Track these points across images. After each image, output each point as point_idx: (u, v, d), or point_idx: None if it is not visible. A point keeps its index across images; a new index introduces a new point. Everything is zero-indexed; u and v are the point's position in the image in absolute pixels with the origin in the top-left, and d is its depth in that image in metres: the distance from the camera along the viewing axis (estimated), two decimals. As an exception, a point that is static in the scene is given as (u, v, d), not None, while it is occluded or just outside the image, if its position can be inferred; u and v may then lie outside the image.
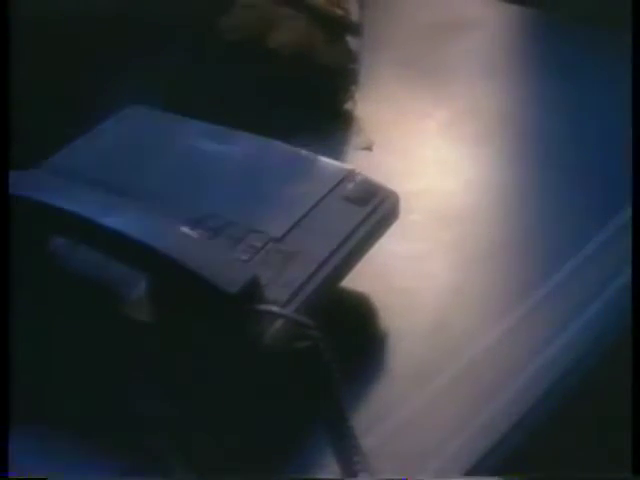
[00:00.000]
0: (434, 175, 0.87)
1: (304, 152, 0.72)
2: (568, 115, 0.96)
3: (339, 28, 0.92)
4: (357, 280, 0.69)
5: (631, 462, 0.62)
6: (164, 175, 0.69)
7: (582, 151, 0.90)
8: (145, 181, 0.68)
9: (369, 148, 0.89)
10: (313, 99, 0.91)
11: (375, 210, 0.69)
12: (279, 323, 0.57)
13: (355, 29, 0.93)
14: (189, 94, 0.92)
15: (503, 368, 0.66)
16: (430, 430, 0.62)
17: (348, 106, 0.94)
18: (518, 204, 0.84)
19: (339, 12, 0.92)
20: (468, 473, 0.59)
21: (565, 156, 0.90)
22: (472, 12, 1.12)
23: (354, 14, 0.93)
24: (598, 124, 0.95)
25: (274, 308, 0.57)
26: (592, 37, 1.10)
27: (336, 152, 0.88)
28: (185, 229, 0.63)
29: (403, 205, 0.75)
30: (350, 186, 0.70)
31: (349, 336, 0.66)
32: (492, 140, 0.92)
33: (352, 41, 0.93)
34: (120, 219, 0.60)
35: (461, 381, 0.65)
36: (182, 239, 0.60)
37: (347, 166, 0.71)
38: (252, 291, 0.57)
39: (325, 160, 0.72)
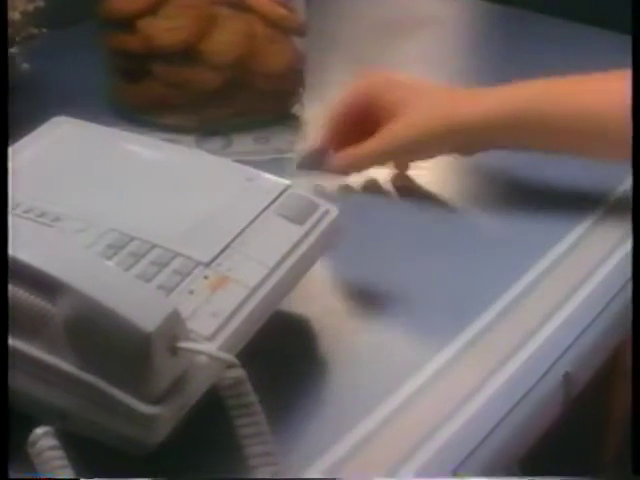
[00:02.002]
0: (384, 184, 0.83)
1: (237, 166, 0.68)
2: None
3: (283, 28, 0.87)
4: (294, 302, 0.65)
5: (631, 462, 0.59)
6: (88, 193, 0.65)
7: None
8: (68, 200, 0.63)
9: (315, 156, 0.85)
10: (257, 103, 0.87)
11: (314, 228, 0.64)
12: (200, 360, 0.53)
13: (300, 29, 0.88)
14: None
15: (450, 396, 0.62)
16: (371, 462, 0.58)
17: (295, 110, 0.90)
18: (479, 213, 0.80)
19: (283, 12, 0.87)
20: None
21: (529, 163, 0.85)
22: (428, 8, 1.08)
23: (299, 13, 0.88)
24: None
25: (194, 345, 0.53)
26: (558, 31, 1.06)
27: (279, 161, 0.83)
28: (104, 258, 0.58)
29: (350, 216, 0.71)
30: (287, 203, 0.65)
31: (285, 362, 0.63)
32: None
33: (298, 41, 0.89)
34: (35, 249, 0.55)
35: (406, 411, 0.61)
36: (99, 271, 0.55)
37: (284, 181, 0.67)
38: (171, 327, 0.52)
39: (260, 174, 0.67)
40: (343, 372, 0.64)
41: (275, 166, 0.82)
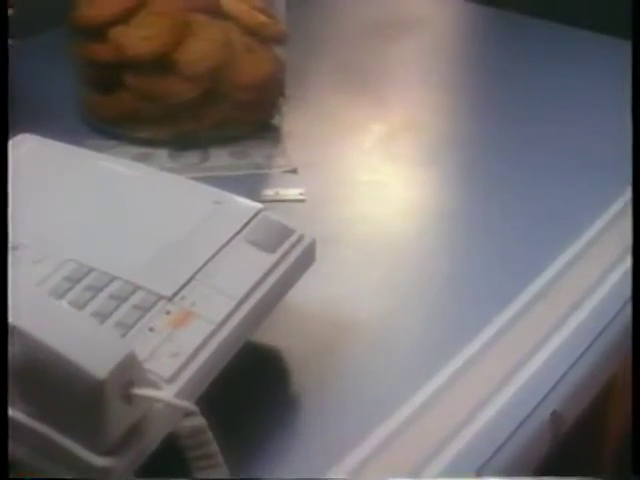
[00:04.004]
0: (367, 200, 0.79)
1: (206, 187, 0.64)
2: (524, 126, 0.87)
3: (262, 36, 0.83)
4: (268, 333, 0.61)
5: (631, 462, 0.56)
6: (47, 219, 0.61)
7: (540, 168, 0.82)
8: (26, 226, 0.60)
9: (294, 171, 0.81)
10: (234, 115, 0.83)
11: (286, 256, 0.60)
12: (157, 408, 0.49)
13: (280, 37, 0.84)
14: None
15: (435, 437, 0.58)
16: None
17: (275, 121, 0.86)
18: (463, 233, 0.75)
19: (262, 19, 0.83)
20: None
21: (517, 176, 0.81)
22: (416, 10, 1.04)
23: (279, 20, 0.84)
24: (556, 134, 0.86)
25: (151, 392, 0.49)
26: (549, 34, 1.02)
27: (256, 177, 0.80)
28: (60, 292, 0.55)
29: (330, 236, 0.68)
30: (258, 229, 0.61)
31: (255, 398, 0.59)
32: (436, 158, 0.84)
33: (277, 49, 0.85)
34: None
35: (387, 451, 0.57)
36: (50, 312, 0.51)
37: (256, 204, 0.63)
38: (126, 373, 0.48)
39: (230, 197, 0.63)
40: (318, 409, 0.60)
41: (253, 181, 0.79)
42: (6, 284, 0.50)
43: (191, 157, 0.81)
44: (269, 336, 0.62)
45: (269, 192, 0.77)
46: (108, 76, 0.83)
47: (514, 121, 0.87)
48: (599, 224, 0.76)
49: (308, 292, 0.64)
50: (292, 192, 0.78)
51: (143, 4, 0.81)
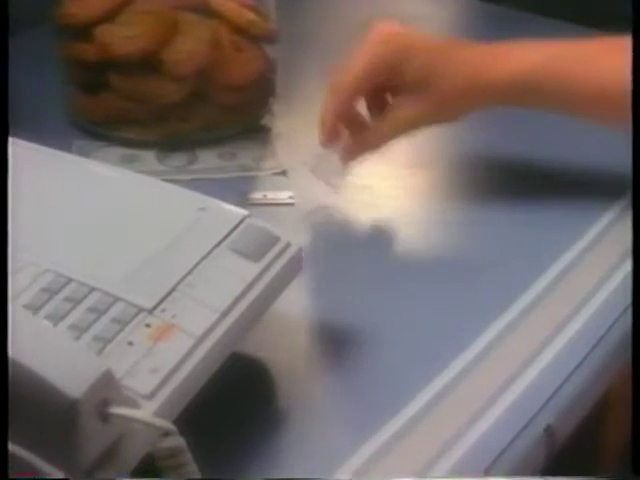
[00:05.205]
0: (358, 204, 0.77)
1: (190, 193, 0.62)
2: (521, 129, 0.85)
3: (251, 35, 0.81)
4: (253, 344, 0.60)
5: (631, 462, 0.55)
6: (30, 226, 0.59)
7: (536, 172, 0.80)
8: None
9: (283, 173, 0.79)
10: (222, 115, 0.81)
11: (272, 265, 0.59)
12: (135, 427, 0.47)
13: (270, 36, 0.82)
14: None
15: (426, 453, 0.56)
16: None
17: (265, 121, 0.84)
18: (456, 238, 0.74)
19: (251, 17, 0.81)
20: None
21: (513, 180, 0.79)
22: (411, 8, 1.02)
23: (269, 18, 0.83)
24: (553, 136, 0.84)
25: (127, 411, 0.47)
26: (554, 32, 1.00)
27: (244, 179, 0.78)
28: (38, 304, 0.53)
29: (319, 241, 0.66)
30: (242, 236, 0.59)
31: (240, 411, 0.57)
32: (428, 160, 0.82)
33: (267, 48, 0.83)
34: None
35: (381, 461, 0.55)
36: (24, 329, 0.49)
37: (241, 211, 0.61)
38: (102, 391, 0.47)
39: (215, 203, 0.61)
40: (306, 422, 0.58)
41: (241, 184, 0.77)
42: (6, 308, 0.48)
43: (179, 159, 0.80)
44: (254, 347, 0.60)
45: (257, 195, 0.76)
46: (94, 76, 0.81)
47: (511, 122, 0.85)
48: (595, 230, 0.74)
49: (295, 302, 0.62)
50: (281, 195, 0.76)
51: (129, 2, 0.80)
